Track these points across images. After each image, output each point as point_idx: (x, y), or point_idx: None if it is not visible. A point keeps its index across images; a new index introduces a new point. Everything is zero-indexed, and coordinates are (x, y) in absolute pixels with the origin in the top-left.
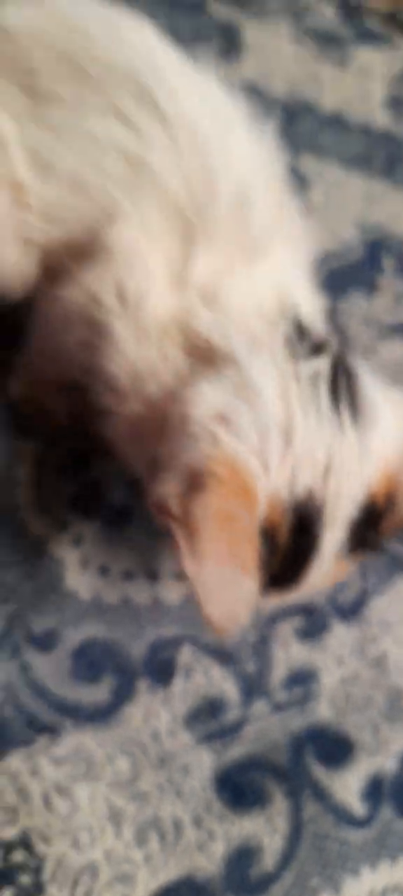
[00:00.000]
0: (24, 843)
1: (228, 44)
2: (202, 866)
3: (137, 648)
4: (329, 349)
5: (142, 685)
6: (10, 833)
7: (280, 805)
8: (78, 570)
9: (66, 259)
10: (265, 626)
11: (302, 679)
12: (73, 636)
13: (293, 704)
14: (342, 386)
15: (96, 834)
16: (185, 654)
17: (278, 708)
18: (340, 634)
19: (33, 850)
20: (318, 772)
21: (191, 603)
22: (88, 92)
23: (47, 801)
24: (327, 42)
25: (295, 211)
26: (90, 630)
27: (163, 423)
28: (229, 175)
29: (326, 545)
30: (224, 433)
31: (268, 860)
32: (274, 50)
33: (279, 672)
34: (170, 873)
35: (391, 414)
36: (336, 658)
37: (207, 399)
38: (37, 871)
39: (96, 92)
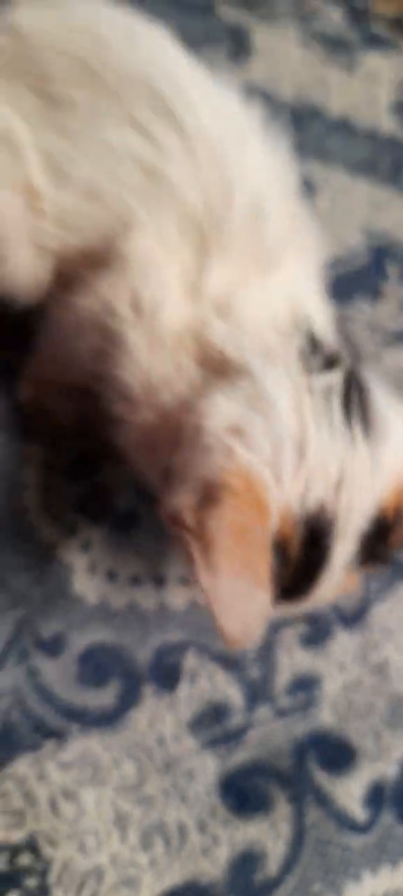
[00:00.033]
0: (31, 846)
1: (237, 47)
2: (206, 871)
3: (143, 653)
4: (341, 363)
5: (148, 690)
6: (16, 837)
7: (283, 810)
8: (86, 575)
9: (79, 266)
10: (269, 633)
11: (306, 685)
12: (80, 641)
13: (296, 710)
14: (354, 400)
15: (102, 838)
16: (191, 660)
17: (281, 713)
18: (343, 641)
19: (40, 854)
20: (321, 778)
21: (197, 609)
22: (104, 99)
23: (54, 806)
24: (335, 46)
25: (307, 221)
26: (97, 635)
27: (176, 432)
28: (245, 187)
29: (336, 558)
30: (238, 445)
31: (272, 865)
32: (283, 53)
33: (283, 678)
34: (174, 877)
35: (402, 428)
36: (338, 664)
37: (221, 410)
38: (43, 874)
39: (112, 100)
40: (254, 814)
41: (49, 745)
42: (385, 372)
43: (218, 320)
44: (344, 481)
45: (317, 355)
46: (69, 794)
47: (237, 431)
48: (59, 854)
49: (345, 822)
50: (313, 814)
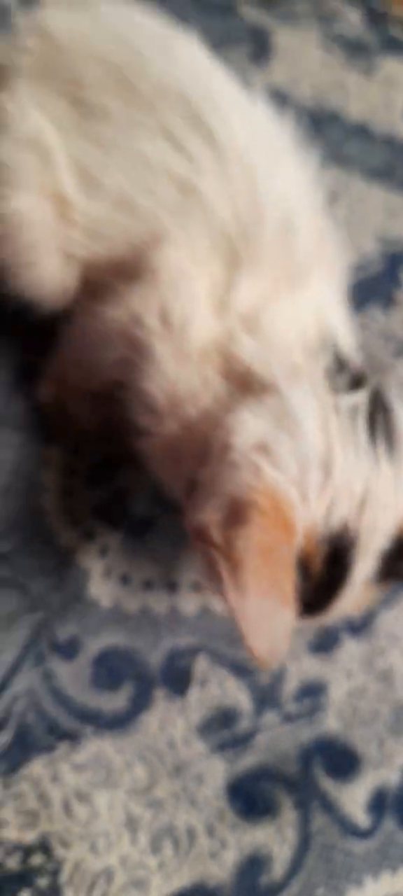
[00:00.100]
0: (44, 846)
1: (258, 47)
2: (214, 874)
3: (155, 657)
4: (367, 382)
5: (160, 694)
6: (29, 837)
7: (289, 816)
8: (101, 580)
9: (107, 275)
10: None
11: (312, 691)
12: (94, 644)
13: (302, 716)
14: (379, 420)
15: (113, 840)
16: (201, 664)
17: (288, 719)
18: (350, 648)
19: (52, 855)
20: (326, 784)
21: (208, 614)
22: (137, 110)
23: (67, 807)
24: (354, 50)
25: (333, 236)
26: (110, 639)
27: (200, 445)
28: (275, 201)
29: (357, 575)
30: (265, 463)
31: (277, 869)
32: (303, 55)
33: (290, 684)
34: (182, 879)
35: None
36: (345, 671)
37: (249, 428)
38: (54, 874)
39: (146, 110)
40: (261, 818)
41: (63, 746)
42: (398, 381)
43: (245, 336)
44: (368, 501)
45: (343, 374)
46: (82, 796)
47: (264, 449)
48: (71, 855)
49: (349, 828)
50: (318, 820)
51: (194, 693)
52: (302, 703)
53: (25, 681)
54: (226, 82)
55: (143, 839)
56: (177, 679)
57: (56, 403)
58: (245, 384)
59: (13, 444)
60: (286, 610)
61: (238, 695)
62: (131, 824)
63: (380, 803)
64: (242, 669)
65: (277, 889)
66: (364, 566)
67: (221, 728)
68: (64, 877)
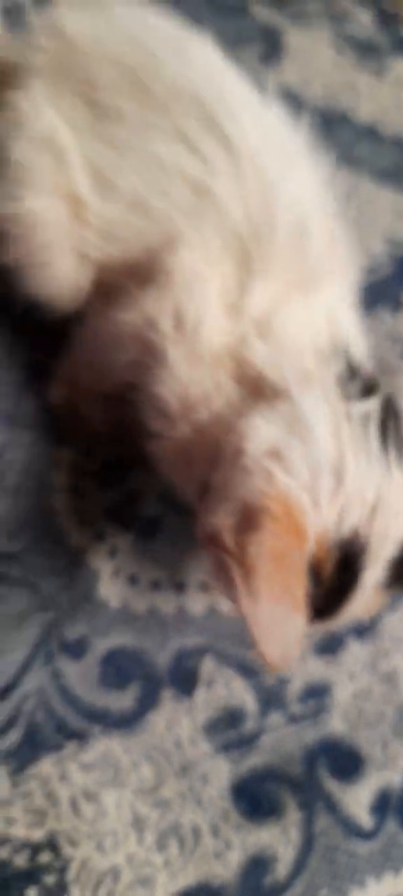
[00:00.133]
0: (51, 845)
1: (270, 47)
2: (218, 873)
3: (163, 657)
4: (378, 390)
5: (167, 694)
6: (37, 835)
7: (293, 816)
8: (110, 580)
9: (121, 277)
10: None
11: (317, 693)
12: (102, 644)
13: (307, 717)
14: (390, 427)
15: (120, 839)
16: (208, 665)
17: (293, 720)
18: (354, 650)
19: (59, 853)
20: (330, 785)
21: (215, 615)
22: (152, 112)
23: (75, 806)
24: (365, 51)
25: (345, 241)
26: (118, 638)
27: (212, 449)
28: (289, 205)
29: (367, 581)
30: (278, 469)
31: (281, 870)
32: (315, 56)
33: (296, 685)
34: (187, 878)
35: None
36: (349, 673)
37: (261, 433)
38: (61, 871)
39: (160, 113)
40: (266, 819)
41: (71, 746)
42: None
43: (258, 340)
44: (379, 508)
45: (355, 381)
46: (90, 795)
47: (276, 455)
48: (78, 853)
49: (352, 829)
50: (322, 821)
51: (201, 693)
52: (306, 705)
53: (35, 680)
54: (240, 84)
55: (150, 838)
56: (184, 679)
57: (67, 405)
58: (257, 388)
59: (24, 443)
60: (297, 616)
61: (244, 695)
62: (138, 823)
63: (384, 805)
64: (248, 670)
65: (281, 889)
66: (375, 572)
67: (227, 728)
68: (71, 875)
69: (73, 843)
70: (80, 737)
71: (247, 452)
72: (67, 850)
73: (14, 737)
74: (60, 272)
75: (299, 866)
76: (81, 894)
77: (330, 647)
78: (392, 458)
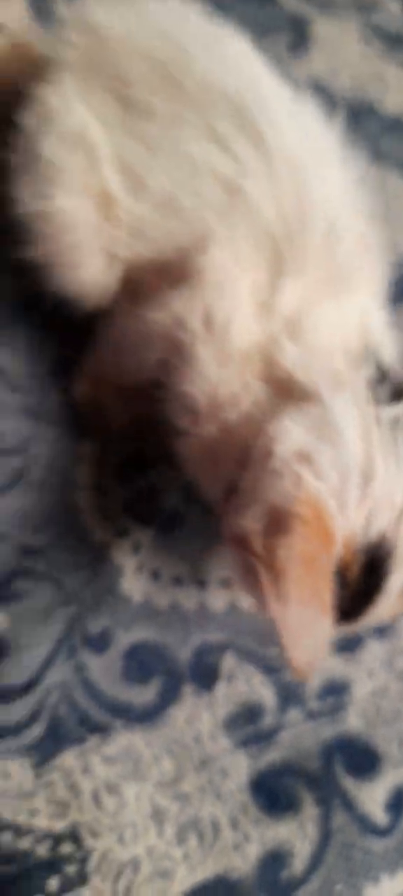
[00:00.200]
0: (73, 836)
1: (297, 37)
2: (236, 867)
3: (184, 652)
4: None
5: (188, 689)
6: (59, 826)
7: (311, 812)
8: (133, 575)
9: (149, 276)
10: None
11: (336, 690)
12: (125, 638)
13: (325, 714)
14: None
15: (140, 831)
16: (229, 661)
17: (311, 716)
18: (373, 648)
19: (81, 844)
20: (347, 782)
21: (236, 611)
22: (184, 109)
23: (97, 798)
24: (394, 42)
25: (376, 242)
26: (141, 633)
27: (240, 449)
28: (322, 206)
29: (393, 584)
30: (307, 473)
31: (298, 864)
32: (342, 46)
33: (314, 682)
34: (206, 871)
35: None
36: (367, 671)
37: (291, 436)
38: (83, 862)
39: (192, 110)
40: (284, 814)
41: (94, 739)
42: None
43: (288, 341)
44: None
45: (385, 385)
46: (112, 788)
47: (306, 458)
48: (99, 844)
49: (368, 826)
50: (339, 817)
51: (221, 689)
52: (325, 702)
53: (58, 674)
54: (273, 81)
55: (169, 831)
56: (205, 674)
57: (92, 401)
58: (286, 390)
59: (48, 438)
60: (324, 619)
61: (263, 691)
62: (158, 816)
63: (399, 802)
64: (268, 666)
65: (298, 884)
66: (401, 576)
67: (246, 724)
68: (92, 865)
69: (95, 834)
70: (103, 730)
71: (277, 455)
72: (89, 841)
73: (37, 730)
74: (89, 272)
75: (316, 861)
76: (102, 885)
77: (349, 644)
78: None
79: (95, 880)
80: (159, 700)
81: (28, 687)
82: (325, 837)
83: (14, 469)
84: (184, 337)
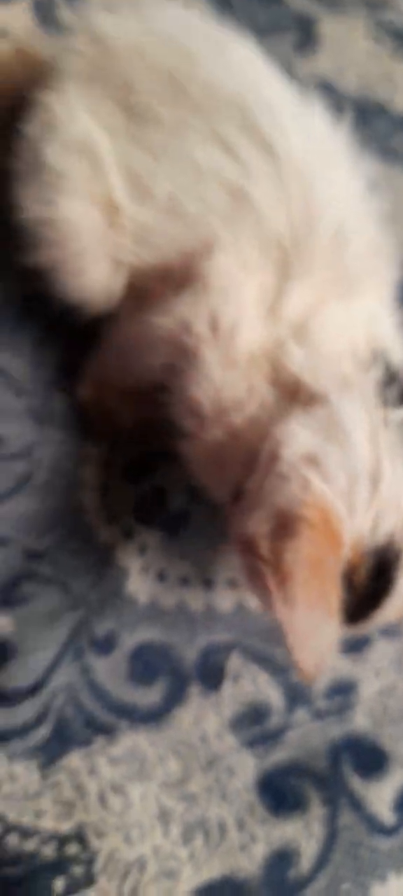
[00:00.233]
0: (79, 836)
1: (304, 36)
2: (243, 867)
3: (190, 653)
4: None
5: (194, 689)
6: (65, 827)
7: (317, 811)
8: (139, 576)
9: (154, 281)
10: None
11: (343, 689)
12: (131, 640)
13: (332, 713)
14: None
15: (146, 831)
16: (235, 661)
17: (318, 716)
18: (380, 648)
19: (87, 844)
20: (355, 781)
21: (243, 611)
22: (189, 115)
23: (103, 799)
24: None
25: (385, 246)
26: (146, 634)
27: (246, 452)
28: (329, 211)
29: (400, 587)
30: (315, 476)
31: (305, 864)
32: (350, 45)
33: (321, 682)
34: (212, 871)
35: None
36: (375, 670)
37: (298, 439)
38: (89, 863)
39: (197, 116)
40: (290, 813)
41: (100, 740)
42: None
43: (295, 345)
44: None
45: (393, 387)
46: (117, 788)
47: (313, 461)
48: (105, 844)
49: (375, 826)
50: (346, 817)
51: (227, 689)
52: (332, 701)
53: (65, 676)
54: (280, 85)
55: (175, 831)
56: (211, 675)
57: (96, 405)
58: (292, 393)
59: (53, 440)
60: (331, 622)
61: (270, 691)
62: (164, 816)
63: None
64: (275, 666)
65: (304, 883)
66: None
67: (253, 724)
68: (98, 866)
69: (101, 834)
70: (109, 731)
71: (284, 458)
72: (95, 841)
73: (43, 732)
74: (94, 278)
75: (322, 860)
76: (108, 885)
77: (356, 644)
78: None
79: (101, 881)
80: (165, 701)
81: (34, 689)
82: (332, 836)
83: (19, 473)
84: (189, 341)
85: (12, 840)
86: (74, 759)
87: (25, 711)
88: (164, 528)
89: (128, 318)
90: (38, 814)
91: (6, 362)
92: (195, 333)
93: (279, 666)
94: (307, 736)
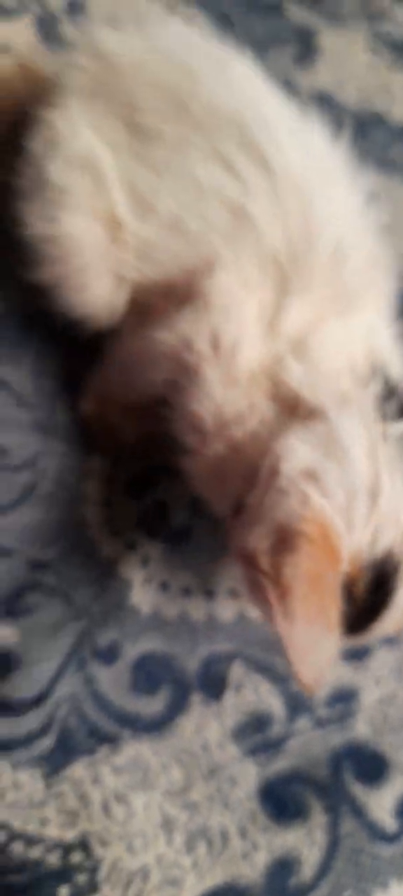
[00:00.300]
0: (83, 845)
1: (304, 48)
2: (245, 874)
3: (192, 663)
4: None
5: (196, 698)
6: (70, 835)
7: (319, 819)
8: (142, 587)
9: (156, 297)
10: None
11: (344, 697)
12: (134, 650)
13: (333, 721)
14: None
15: (149, 840)
16: (237, 671)
17: (319, 724)
18: (381, 656)
19: (91, 853)
20: (355, 789)
21: (244, 621)
22: (190, 132)
23: (106, 808)
24: (401, 52)
25: (384, 261)
26: (149, 644)
27: (247, 467)
28: (328, 227)
29: (399, 599)
30: (314, 491)
31: (307, 871)
32: (349, 57)
33: (323, 690)
34: (215, 879)
35: None
36: (375, 678)
37: (297, 455)
38: (93, 871)
39: (198, 133)
40: (292, 821)
41: (103, 749)
42: None
43: (294, 361)
44: None
45: (392, 401)
46: (120, 798)
47: (312, 477)
48: (109, 853)
49: (377, 833)
50: (348, 824)
51: (229, 698)
52: (333, 709)
53: (68, 686)
54: (279, 103)
55: (178, 839)
56: (213, 684)
57: (98, 419)
58: (292, 408)
59: (56, 453)
60: (331, 636)
61: (272, 700)
62: (167, 825)
63: None
64: (277, 676)
65: (306, 890)
66: None
67: (254, 732)
68: (102, 874)
69: (104, 843)
70: (112, 741)
71: (283, 473)
72: (98, 850)
73: (48, 742)
74: (96, 294)
75: (324, 868)
76: (112, 893)
77: (357, 653)
78: None
79: (105, 889)
80: (167, 710)
81: (38, 700)
82: (334, 844)
83: (23, 484)
84: (190, 358)
85: (17, 848)
86: (78, 769)
87: (30, 721)
88: (167, 540)
89: (131, 333)
90: (43, 822)
91: (10, 374)
92: (196, 351)
93: (280, 675)
94: (308, 744)
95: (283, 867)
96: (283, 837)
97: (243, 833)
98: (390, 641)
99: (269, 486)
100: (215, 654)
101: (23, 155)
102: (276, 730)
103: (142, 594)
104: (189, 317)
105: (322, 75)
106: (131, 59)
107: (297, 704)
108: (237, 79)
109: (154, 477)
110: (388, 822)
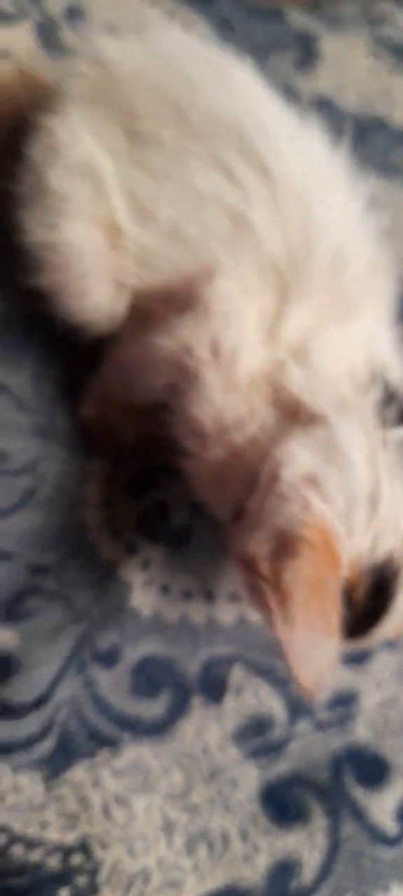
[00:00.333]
0: (83, 847)
1: (304, 53)
2: (246, 877)
3: (193, 666)
4: None
5: (196, 701)
6: (70, 838)
7: (320, 822)
8: (142, 590)
9: (156, 303)
10: None
11: (344, 700)
12: (134, 653)
13: (334, 724)
14: None
15: (150, 842)
16: (237, 674)
17: (320, 727)
18: (382, 659)
19: (91, 855)
20: (356, 792)
21: (244, 624)
22: (190, 140)
23: (106, 811)
24: (402, 57)
25: (384, 267)
26: (149, 647)
27: (247, 471)
28: (327, 234)
29: (399, 605)
30: (314, 497)
31: (307, 874)
32: (350, 62)
33: (323, 693)
34: (216, 881)
35: None
36: (376, 682)
37: (298, 460)
38: (93, 873)
39: (199, 141)
40: (293, 824)
41: (104, 753)
42: None
43: (294, 366)
44: None
45: (392, 407)
46: (121, 800)
47: (313, 482)
48: (109, 856)
49: (377, 836)
50: (348, 827)
51: (230, 701)
52: (334, 712)
53: (68, 689)
54: (279, 110)
55: (179, 842)
56: (214, 687)
57: (98, 421)
58: (292, 414)
59: (56, 457)
60: (331, 641)
61: (272, 703)
62: (167, 828)
63: None
64: (277, 679)
65: (307, 893)
66: None
67: (255, 735)
68: (102, 876)
69: (105, 846)
70: (112, 744)
71: (284, 479)
72: (99, 852)
73: (48, 745)
74: (96, 300)
75: (325, 871)
76: (112, 895)
77: (357, 656)
78: None
79: (106, 891)
80: (168, 713)
81: (39, 703)
82: (334, 847)
83: (23, 488)
84: (190, 363)
85: (17, 851)
86: (78, 772)
87: (30, 724)
88: (168, 543)
89: (131, 338)
90: (43, 825)
91: (10, 379)
92: (196, 357)
93: (280, 678)
94: (309, 747)
95: (284, 870)
96: (284, 840)
97: (244, 835)
98: (391, 645)
99: (270, 491)
100: (215, 658)
101: (23, 162)
102: (277, 733)
103: (143, 597)
104: (189, 323)
105: (322, 80)
106: (131, 67)
107: (298, 707)
108: (237, 85)
109: (154, 477)
110: (389, 825)
